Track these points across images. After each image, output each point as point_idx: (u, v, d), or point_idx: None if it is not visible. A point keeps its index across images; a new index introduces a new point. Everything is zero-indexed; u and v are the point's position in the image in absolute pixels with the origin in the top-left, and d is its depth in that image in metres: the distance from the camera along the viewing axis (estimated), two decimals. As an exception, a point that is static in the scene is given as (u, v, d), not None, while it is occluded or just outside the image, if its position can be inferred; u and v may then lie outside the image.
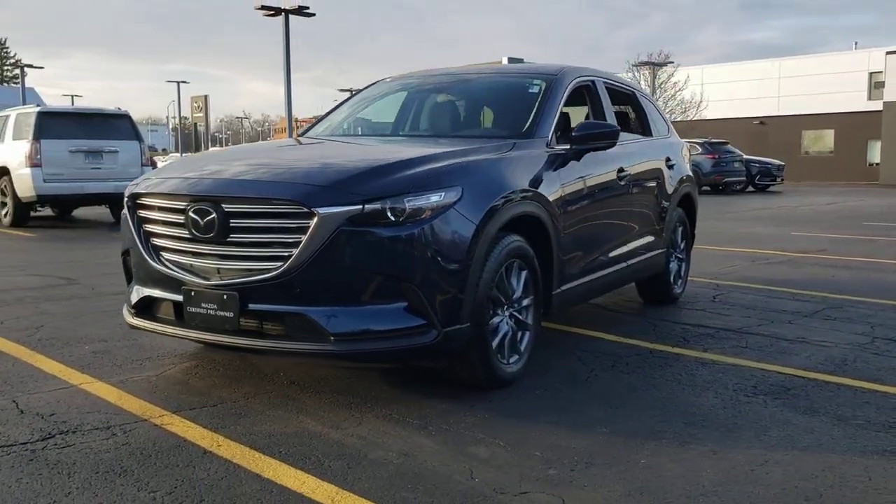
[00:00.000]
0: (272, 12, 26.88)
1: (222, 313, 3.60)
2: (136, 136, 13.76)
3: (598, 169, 4.97)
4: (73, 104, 51.03)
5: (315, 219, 3.39)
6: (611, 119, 5.46)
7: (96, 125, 13.31)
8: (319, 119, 5.56)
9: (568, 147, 4.63)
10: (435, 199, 3.56)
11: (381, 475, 2.93)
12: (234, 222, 3.57)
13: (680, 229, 6.55)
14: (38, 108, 13.14)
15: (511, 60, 33.13)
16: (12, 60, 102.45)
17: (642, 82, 40.89)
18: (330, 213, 3.40)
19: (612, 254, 5.19)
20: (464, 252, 3.60)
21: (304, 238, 3.41)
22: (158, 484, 2.84)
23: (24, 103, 30.07)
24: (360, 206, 3.43)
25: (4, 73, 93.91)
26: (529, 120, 4.68)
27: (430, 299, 3.51)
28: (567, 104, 5.11)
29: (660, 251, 6.01)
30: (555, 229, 4.31)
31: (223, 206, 3.59)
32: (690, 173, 6.69)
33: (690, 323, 5.69)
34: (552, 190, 4.35)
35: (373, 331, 3.48)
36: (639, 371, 4.40)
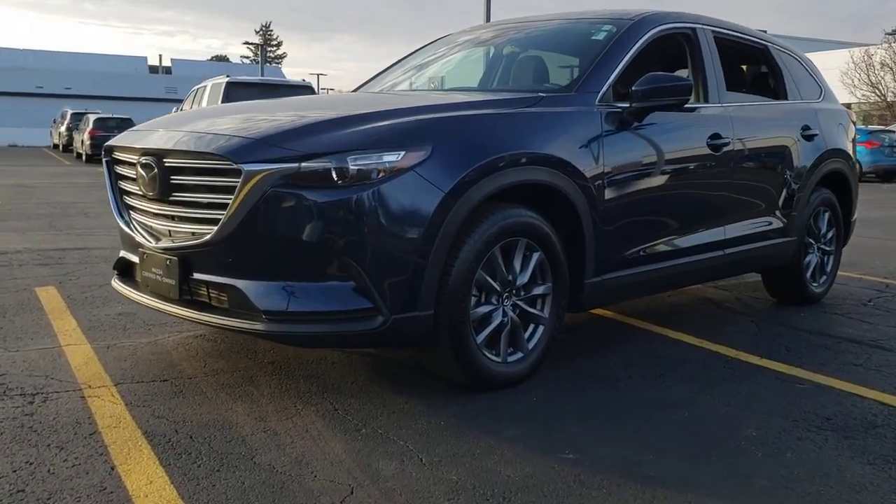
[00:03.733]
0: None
1: (167, 280, 3.25)
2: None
3: (673, 133, 4.07)
4: (317, 83, 54.23)
5: (242, 177, 2.93)
6: (717, 78, 4.49)
7: (279, 94, 13.70)
8: (374, 77, 5.06)
9: (626, 106, 3.80)
10: (389, 158, 2.96)
11: (239, 485, 2.43)
12: (174, 179, 3.20)
13: (826, 216, 5.36)
14: (227, 79, 13.77)
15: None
16: (275, 42, 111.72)
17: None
18: (258, 170, 2.91)
19: (695, 239, 4.25)
20: (423, 224, 2.97)
21: (232, 200, 2.96)
22: (14, 460, 2.55)
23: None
24: (296, 164, 2.91)
25: (269, 55, 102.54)
26: (579, 71, 3.89)
27: (375, 280, 2.94)
28: (652, 57, 4.27)
29: (785, 240, 4.91)
30: (588, 203, 3.53)
31: (164, 160, 3.23)
32: (844, 148, 5.43)
33: (811, 329, 4.60)
34: (590, 154, 3.57)
35: (308, 312, 2.97)
36: (690, 384, 3.52)
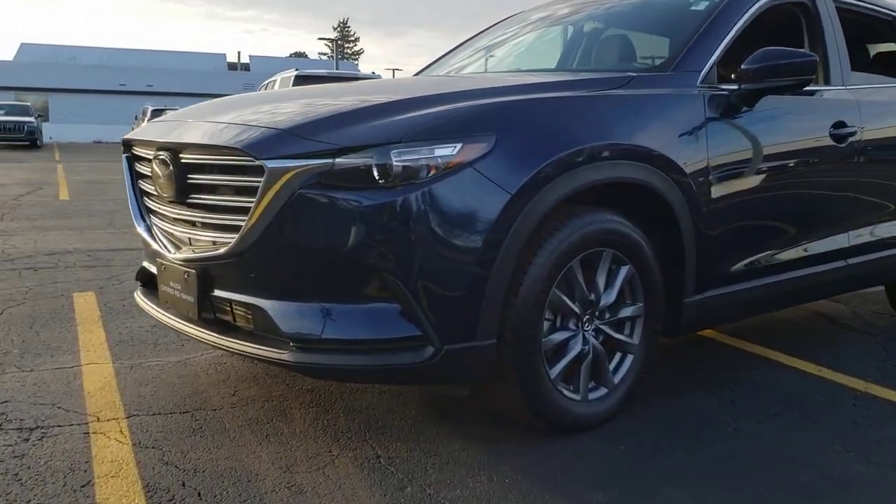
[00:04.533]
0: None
1: (185, 296, 2.77)
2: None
3: (790, 121, 3.40)
4: (393, 76, 54.07)
5: (264, 175, 2.41)
6: (840, 56, 3.78)
7: (348, 87, 13.40)
8: (438, 59, 4.50)
9: (734, 88, 3.14)
10: (442, 152, 2.39)
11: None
12: (191, 178, 2.71)
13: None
14: (296, 72, 13.51)
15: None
16: (352, 38, 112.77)
17: None
18: (283, 167, 2.39)
19: (814, 247, 3.56)
20: (484, 233, 2.40)
21: (254, 203, 2.45)
22: (-21, 526, 2.09)
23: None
24: (330, 160, 2.37)
25: (346, 51, 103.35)
26: (676, 47, 3.25)
27: (424, 302, 2.38)
28: (760, 33, 3.59)
29: (920, 247, 4.15)
30: (689, 205, 2.90)
31: (180, 156, 2.73)
32: None
33: (953, 355, 3.85)
34: (691, 146, 2.94)
35: (342, 340, 2.43)
36: (815, 429, 2.86)
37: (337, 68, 39.84)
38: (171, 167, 2.72)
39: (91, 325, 4.07)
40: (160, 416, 2.87)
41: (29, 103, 34.13)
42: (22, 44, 47.07)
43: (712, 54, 3.18)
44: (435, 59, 4.59)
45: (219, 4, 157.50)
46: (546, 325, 2.64)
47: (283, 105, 2.97)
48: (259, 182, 2.42)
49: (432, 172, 2.37)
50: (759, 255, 3.30)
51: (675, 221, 2.89)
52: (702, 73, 3.11)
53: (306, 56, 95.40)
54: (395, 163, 2.35)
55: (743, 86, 3.13)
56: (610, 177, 2.68)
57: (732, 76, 3.18)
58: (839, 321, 4.50)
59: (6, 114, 29.33)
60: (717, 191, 3.02)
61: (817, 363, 3.63)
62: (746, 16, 3.37)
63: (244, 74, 49.10)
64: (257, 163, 2.41)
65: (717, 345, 3.92)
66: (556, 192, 2.52)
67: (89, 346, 3.70)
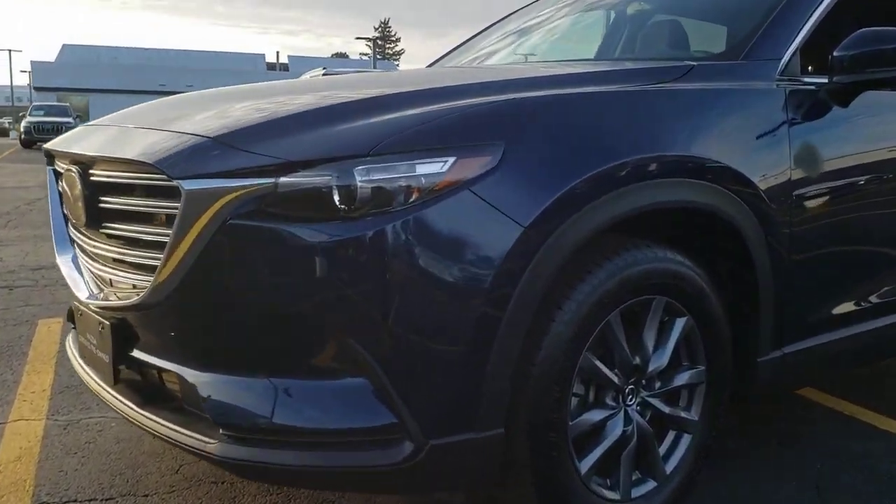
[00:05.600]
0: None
1: (101, 354, 2.12)
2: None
3: (891, 126, 2.64)
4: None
5: (182, 199, 1.75)
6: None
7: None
8: (456, 48, 3.81)
9: (823, 81, 2.41)
10: (427, 169, 1.70)
11: None
12: (104, 201, 2.06)
13: None
14: (323, 71, 13.19)
15: None
16: (394, 39, 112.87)
17: None
18: (206, 189, 1.72)
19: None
20: (486, 281, 1.71)
21: (170, 237, 1.78)
22: None
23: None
24: (272, 180, 1.70)
25: (387, 51, 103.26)
26: (748, 31, 2.51)
27: (402, 377, 1.70)
28: (850, 14, 2.85)
29: None
30: (767, 234, 2.18)
31: (90, 172, 2.08)
32: None
33: None
34: (769, 156, 2.22)
35: (288, 429, 1.75)
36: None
37: (374, 67, 39.37)
38: (79, 186, 2.07)
39: (42, 364, 3.46)
40: (75, 504, 2.23)
41: (68, 104, 34.22)
42: (64, 45, 47.40)
43: (795, 38, 2.44)
44: (454, 46, 3.91)
45: (263, 5, 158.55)
46: (574, 402, 1.95)
47: (241, 105, 2.28)
48: (176, 207, 1.76)
49: (414, 197, 1.69)
50: (856, 295, 2.56)
51: (749, 256, 2.17)
52: (782, 62, 2.38)
53: (347, 56, 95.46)
54: (360, 183, 1.67)
55: (835, 78, 2.39)
56: (661, 201, 1.96)
57: (812, 69, 2.47)
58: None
59: (45, 114, 29.38)
60: (802, 214, 2.29)
61: (922, 428, 2.87)
62: (835, -9, 2.62)
63: (283, 74, 48.95)
64: (172, 182, 1.75)
65: (798, 400, 3.16)
66: (588, 224, 1.82)
67: (28, 394, 3.09)
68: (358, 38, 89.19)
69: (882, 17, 2.92)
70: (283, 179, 1.69)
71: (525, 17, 3.76)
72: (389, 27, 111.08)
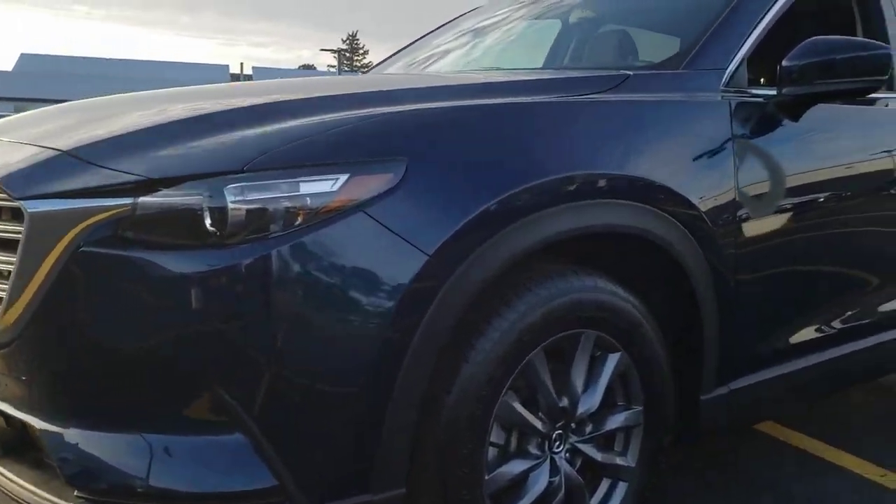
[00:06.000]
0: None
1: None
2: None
3: (850, 140, 2.48)
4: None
5: (26, 222, 1.50)
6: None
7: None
8: (400, 50, 3.57)
9: (772, 93, 2.23)
10: (315, 188, 1.48)
11: None
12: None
13: None
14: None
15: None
16: (362, 51, 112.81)
17: None
18: (52, 211, 1.48)
19: (885, 306, 2.62)
20: (385, 318, 1.48)
21: (14, 266, 1.53)
22: None
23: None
24: (129, 200, 1.46)
25: (355, 63, 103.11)
26: (692, 37, 2.32)
27: (281, 432, 1.47)
28: (803, 22, 2.69)
29: None
30: (710, 260, 1.98)
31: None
32: None
33: None
34: (711, 175, 2.02)
35: (147, 491, 1.50)
36: None
37: (339, 80, 39.14)
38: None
39: None
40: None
41: (24, 114, 33.51)
42: (22, 54, 46.56)
43: (742, 46, 2.27)
44: (391, 54, 3.68)
45: (231, 17, 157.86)
46: (492, 453, 1.72)
47: (129, 113, 2.02)
48: (18, 233, 1.51)
49: (298, 220, 1.46)
50: (810, 322, 2.38)
51: (689, 284, 1.97)
52: (727, 73, 2.20)
53: (314, 68, 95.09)
54: (233, 204, 1.44)
55: (784, 90, 2.21)
56: (587, 225, 1.75)
57: (765, 80, 2.29)
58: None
59: None
60: (749, 237, 2.09)
61: (880, 464, 2.69)
62: (785, -2, 2.44)
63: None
64: (15, 203, 1.50)
65: (755, 436, 2.97)
66: (503, 251, 1.61)
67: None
68: (323, 50, 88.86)
69: (839, 24, 2.75)
70: (142, 200, 1.46)
71: (476, 20, 3.52)
72: (357, 39, 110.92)
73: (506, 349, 1.65)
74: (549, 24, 3.48)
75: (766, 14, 2.36)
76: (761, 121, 2.20)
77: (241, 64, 52.82)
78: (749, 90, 2.22)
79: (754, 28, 2.32)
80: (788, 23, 2.46)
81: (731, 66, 2.21)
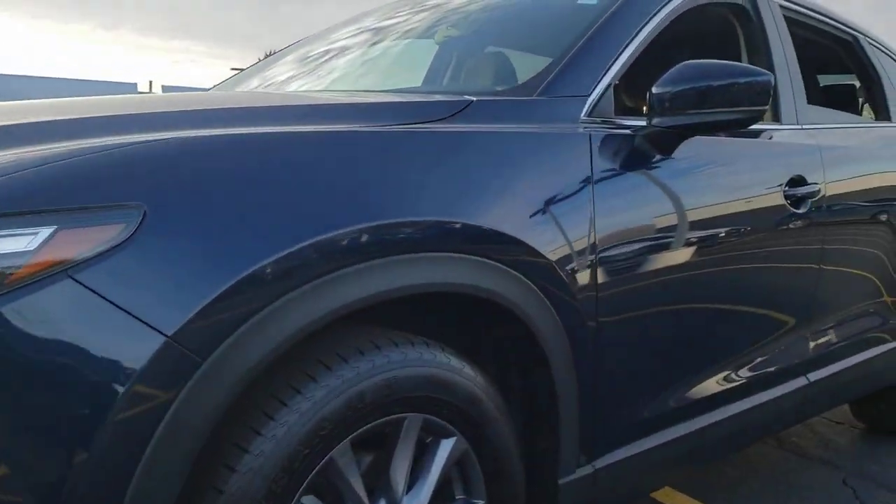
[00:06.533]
0: None
1: None
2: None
3: (727, 177, 2.21)
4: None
5: None
6: (793, 82, 2.64)
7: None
8: (258, 62, 3.21)
9: (641, 124, 1.94)
10: (6, 245, 1.09)
11: None
12: None
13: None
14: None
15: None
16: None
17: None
18: None
19: (763, 363, 2.37)
20: (105, 421, 1.10)
21: None
22: None
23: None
24: None
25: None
26: (549, 63, 2.02)
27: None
28: (682, 46, 2.46)
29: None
30: (565, 321, 1.67)
31: None
32: None
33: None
34: (566, 221, 1.70)
35: None
36: None
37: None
38: None
39: None
40: None
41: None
42: None
43: (607, 71, 1.98)
44: (252, 64, 3.30)
45: (148, 34, 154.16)
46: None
47: None
48: None
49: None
50: (683, 387, 2.10)
51: (541, 350, 1.65)
52: (590, 100, 1.91)
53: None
54: None
55: (655, 120, 1.93)
56: (399, 286, 1.40)
57: (636, 108, 2.00)
58: (787, 442, 3.32)
59: None
60: (609, 290, 1.79)
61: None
62: (659, 17, 2.18)
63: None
64: None
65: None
66: (285, 325, 1.25)
67: None
68: (233, 69, 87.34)
69: (722, 50, 2.50)
70: None
71: (325, 41, 3.17)
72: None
73: (294, 449, 1.29)
74: (427, 43, 3.16)
75: (637, 34, 2.10)
76: (629, 156, 1.92)
77: (150, 83, 51.30)
78: (615, 120, 1.94)
79: (623, 50, 2.05)
80: (666, 46, 2.20)
81: (595, 94, 1.92)
